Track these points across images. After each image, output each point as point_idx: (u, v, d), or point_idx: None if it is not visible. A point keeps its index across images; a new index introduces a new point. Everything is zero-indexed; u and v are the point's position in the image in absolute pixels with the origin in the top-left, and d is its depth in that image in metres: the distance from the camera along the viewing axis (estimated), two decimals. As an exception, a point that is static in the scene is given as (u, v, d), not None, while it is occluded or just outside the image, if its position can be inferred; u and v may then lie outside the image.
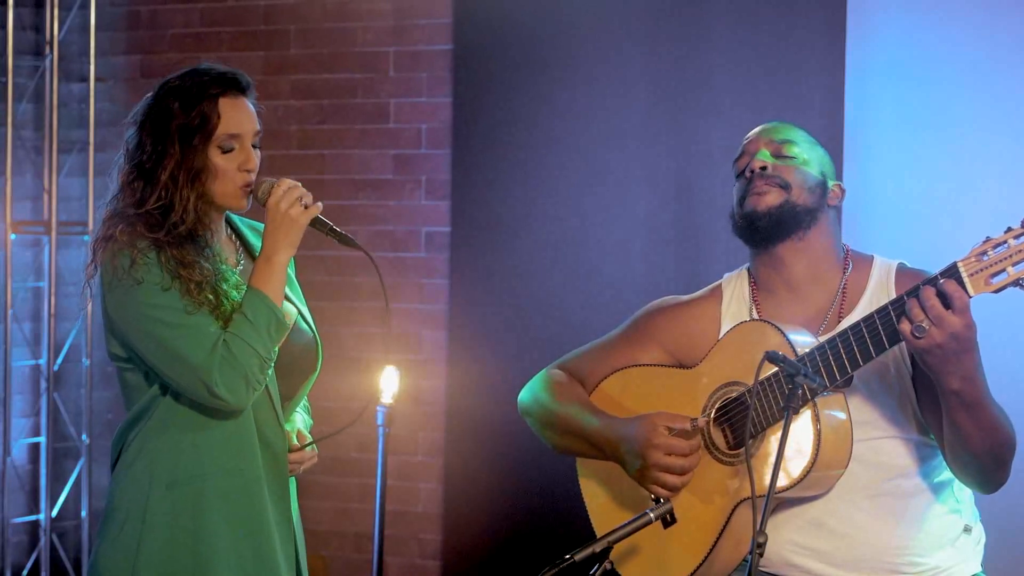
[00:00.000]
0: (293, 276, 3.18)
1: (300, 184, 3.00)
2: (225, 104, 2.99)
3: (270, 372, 2.97)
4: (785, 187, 3.06)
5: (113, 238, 2.95)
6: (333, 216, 3.08)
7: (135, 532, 2.98)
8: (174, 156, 2.97)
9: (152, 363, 2.95)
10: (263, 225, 3.03)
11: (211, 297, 2.94)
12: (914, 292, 2.76)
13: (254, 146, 3.04)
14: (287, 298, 3.09)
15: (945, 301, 2.72)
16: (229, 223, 3.14)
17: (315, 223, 3.00)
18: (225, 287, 2.97)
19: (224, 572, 2.98)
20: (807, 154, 3.12)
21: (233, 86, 3.02)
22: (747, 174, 3.09)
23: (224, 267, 3.01)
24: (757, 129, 3.19)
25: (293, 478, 3.12)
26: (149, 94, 3.06)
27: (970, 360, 2.78)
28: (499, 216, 5.44)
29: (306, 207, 2.98)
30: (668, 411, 3.07)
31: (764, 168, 3.07)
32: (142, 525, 2.97)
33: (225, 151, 2.99)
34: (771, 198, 3.05)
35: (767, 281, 3.12)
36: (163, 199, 2.97)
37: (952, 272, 2.74)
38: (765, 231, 3.06)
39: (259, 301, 2.94)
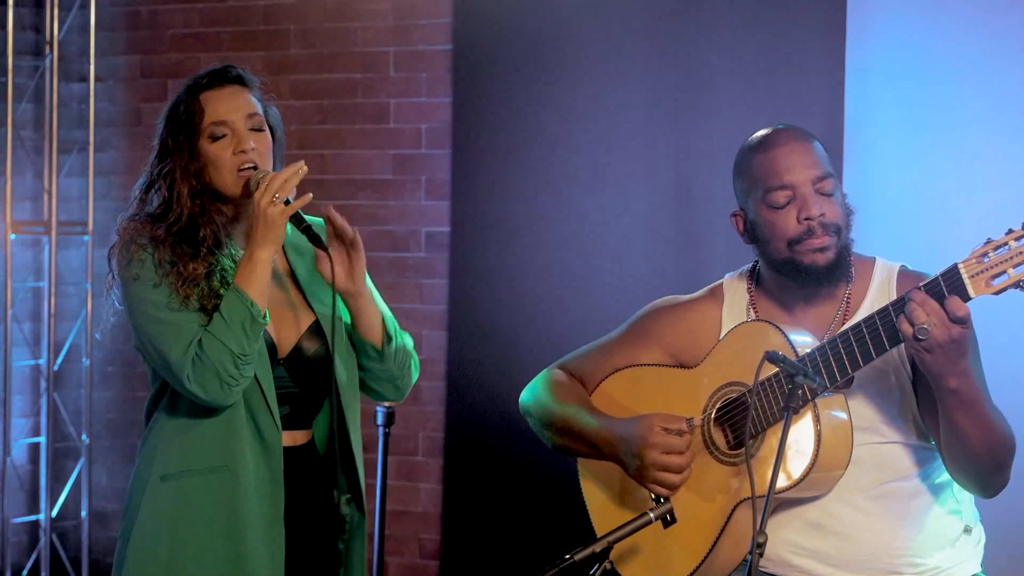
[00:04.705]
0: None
1: (287, 177, 2.96)
2: (207, 97, 3.04)
3: (253, 367, 2.98)
4: (837, 233, 2.99)
5: (118, 235, 3.03)
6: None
7: (132, 521, 3.05)
8: (171, 158, 3.03)
9: (144, 356, 3.03)
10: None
11: (197, 296, 2.97)
12: (908, 299, 2.76)
13: (256, 129, 3.05)
14: (307, 302, 3.11)
15: (947, 310, 2.73)
16: None
17: (293, 219, 3.00)
18: (216, 285, 3.00)
19: (192, 567, 3.01)
20: (837, 180, 3.03)
21: (218, 78, 3.06)
22: (802, 220, 2.97)
23: (229, 264, 3.03)
24: (785, 147, 3.02)
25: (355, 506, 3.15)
26: None
27: (965, 361, 2.78)
28: (499, 216, 5.44)
29: (288, 203, 2.96)
30: (667, 411, 3.07)
31: (823, 215, 2.97)
32: (136, 515, 3.04)
33: (215, 139, 3.03)
34: (831, 252, 2.97)
35: (781, 294, 3.08)
36: (164, 198, 3.02)
37: (953, 274, 2.74)
38: (818, 279, 3.00)
39: (236, 299, 2.96)
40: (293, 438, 3.11)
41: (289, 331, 3.09)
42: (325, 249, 3.02)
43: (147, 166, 3.09)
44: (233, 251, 3.07)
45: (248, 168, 3.02)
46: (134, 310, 3.00)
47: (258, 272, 2.97)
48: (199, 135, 3.02)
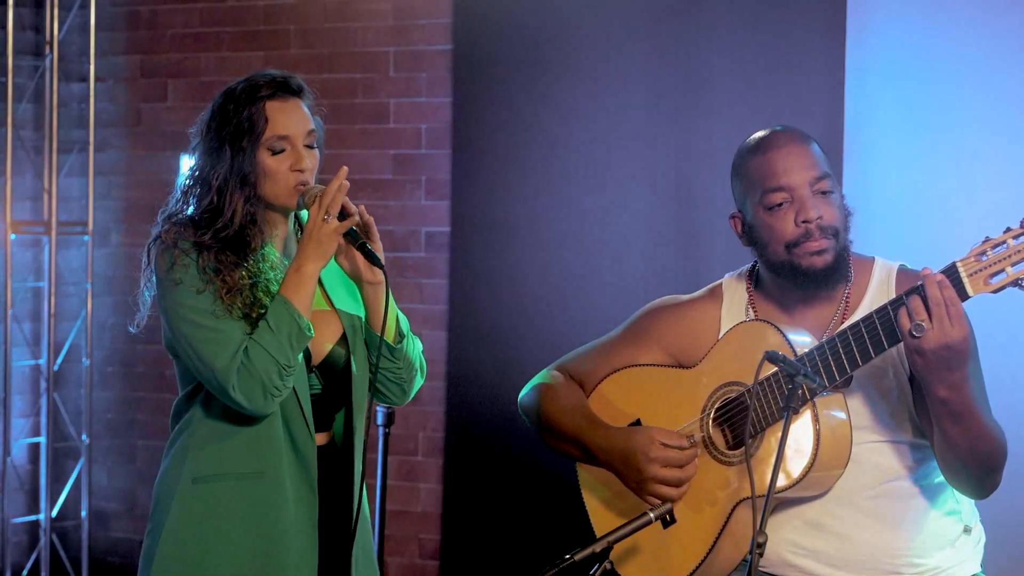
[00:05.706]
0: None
1: (334, 193, 2.97)
2: (272, 107, 3.03)
3: (294, 378, 2.98)
4: (835, 236, 2.98)
5: (160, 238, 3.02)
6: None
7: (161, 521, 3.04)
8: (225, 161, 3.01)
9: (184, 360, 3.01)
10: None
11: (241, 304, 2.97)
12: (915, 290, 2.76)
13: (310, 146, 3.06)
14: (334, 308, 3.10)
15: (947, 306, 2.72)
16: (299, 221, 3.15)
17: (347, 235, 3.01)
18: (259, 294, 2.99)
19: (222, 570, 3.01)
20: (835, 180, 3.02)
21: (282, 89, 3.05)
22: (799, 223, 2.96)
23: (272, 273, 3.03)
24: (782, 149, 3.01)
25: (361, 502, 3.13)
26: (211, 102, 3.10)
27: (959, 374, 2.77)
28: (499, 216, 5.44)
29: (342, 219, 2.98)
30: (666, 411, 3.07)
31: (820, 217, 2.96)
32: (167, 516, 3.03)
33: (275, 152, 3.03)
34: (829, 255, 2.96)
35: (780, 295, 3.08)
36: (213, 203, 3.01)
37: (951, 272, 2.74)
38: (816, 282, 2.99)
39: (283, 309, 2.96)
40: (316, 439, 3.10)
41: (322, 339, 3.09)
42: (381, 266, 3.04)
43: (193, 166, 3.07)
44: (273, 259, 3.07)
45: (302, 185, 3.03)
46: (174, 315, 2.98)
47: (305, 285, 2.97)
48: (259, 144, 3.01)
